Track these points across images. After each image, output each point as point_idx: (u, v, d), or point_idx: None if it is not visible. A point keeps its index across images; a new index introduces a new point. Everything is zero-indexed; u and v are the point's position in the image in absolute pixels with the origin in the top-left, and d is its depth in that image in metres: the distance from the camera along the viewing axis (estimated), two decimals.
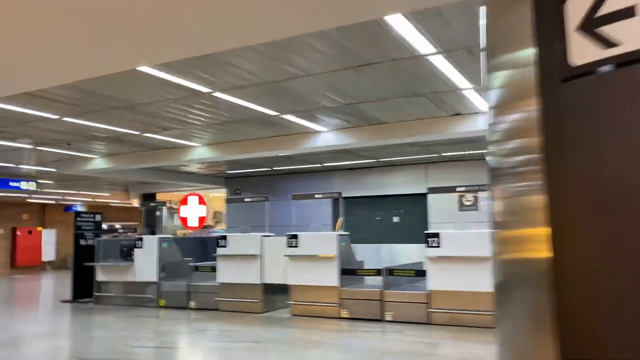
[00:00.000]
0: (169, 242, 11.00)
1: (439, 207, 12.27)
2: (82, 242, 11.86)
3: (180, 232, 19.04)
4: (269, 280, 9.43)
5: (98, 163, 10.84)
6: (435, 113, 7.93)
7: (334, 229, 13.37)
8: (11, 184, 13.30)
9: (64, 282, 17.29)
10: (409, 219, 12.78)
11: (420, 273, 8.25)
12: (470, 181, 11.53)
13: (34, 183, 13.78)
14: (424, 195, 12.41)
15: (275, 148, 9.09)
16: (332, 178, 13.76)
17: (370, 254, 11.69)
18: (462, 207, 12.09)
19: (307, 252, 8.93)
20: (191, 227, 16.48)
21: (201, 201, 16.31)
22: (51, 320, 9.38)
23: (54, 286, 16.44)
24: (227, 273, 9.74)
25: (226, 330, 8.07)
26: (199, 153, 9.83)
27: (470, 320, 7.55)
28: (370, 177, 13.22)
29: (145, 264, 10.69)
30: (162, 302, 10.45)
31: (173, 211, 19.05)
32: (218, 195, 18.79)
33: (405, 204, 12.80)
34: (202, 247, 13.67)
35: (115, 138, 9.12)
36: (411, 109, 7.67)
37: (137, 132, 8.77)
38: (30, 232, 23.62)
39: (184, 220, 16.68)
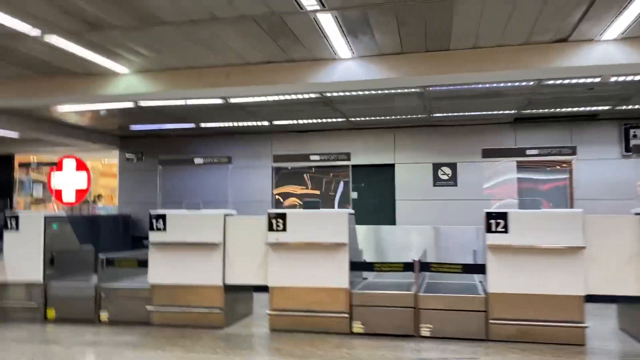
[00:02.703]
0: (61, 223, 7.32)
1: (407, 181, 10.16)
2: None
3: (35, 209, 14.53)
4: (235, 280, 6.46)
5: None
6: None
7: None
8: None
9: None
10: (370, 194, 10.47)
11: (473, 269, 5.99)
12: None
13: None
14: (390, 166, 10.21)
15: (272, 81, 5.84)
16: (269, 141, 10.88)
17: None
18: (437, 181, 10.12)
19: (302, 239, 6.14)
20: (67, 203, 12.35)
21: (80, 166, 12.26)
22: None
23: None
24: (166, 270, 6.52)
25: None
26: (127, 85, 6.25)
27: (548, 335, 5.50)
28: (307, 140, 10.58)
29: (23, 256, 6.94)
30: (52, 314, 6.84)
31: (36, 181, 14.45)
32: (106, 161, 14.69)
33: (369, 175, 10.44)
34: (95, 231, 9.96)
35: None
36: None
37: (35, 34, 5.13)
38: None
39: (56, 193, 12.46)
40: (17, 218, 7.00)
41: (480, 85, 6.68)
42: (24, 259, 6.93)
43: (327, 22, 4.82)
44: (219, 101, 7.79)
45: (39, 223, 6.96)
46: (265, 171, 10.85)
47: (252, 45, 5.13)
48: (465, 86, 6.60)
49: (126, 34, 4.75)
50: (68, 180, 12.24)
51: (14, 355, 5.21)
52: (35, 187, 14.22)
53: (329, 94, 7.28)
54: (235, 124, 9.82)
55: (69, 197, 12.20)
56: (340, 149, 9.30)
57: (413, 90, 6.98)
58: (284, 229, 6.22)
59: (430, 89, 6.75)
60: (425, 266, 6.07)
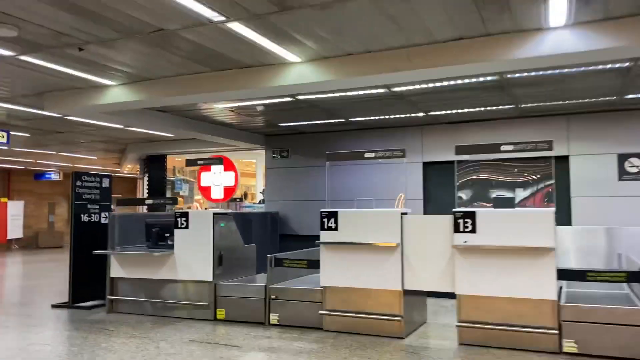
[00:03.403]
0: (227, 221, 7.20)
1: (584, 175, 8.83)
2: (85, 217, 7.91)
3: (185, 207, 15.10)
4: (415, 285, 5.82)
5: (115, 95, 6.89)
6: None
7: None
8: None
9: (44, 270, 13.19)
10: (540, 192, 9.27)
11: None
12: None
13: (4, 134, 9.64)
14: (564, 158, 8.95)
15: (461, 59, 5.05)
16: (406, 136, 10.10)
17: None
18: (624, 175, 8.68)
19: (497, 242, 5.33)
20: (215, 200, 12.63)
21: (228, 166, 12.44)
22: (43, 350, 5.52)
23: (31, 276, 12.33)
24: (339, 271, 6.06)
25: None
26: (299, 75, 5.83)
27: None
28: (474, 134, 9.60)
29: (192, 254, 6.89)
30: (222, 314, 6.71)
31: (188, 182, 15.06)
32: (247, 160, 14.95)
33: (535, 170, 9.27)
34: (248, 229, 9.90)
35: (161, 37, 5.23)
36: None
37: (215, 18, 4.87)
38: None
39: (205, 190, 12.80)
40: (187, 216, 6.98)
41: None
42: (194, 257, 6.88)
43: None
44: (380, 91, 7.22)
45: (208, 221, 6.87)
46: (414, 166, 10.11)
47: (449, 17, 4.46)
48: None
49: (316, 13, 4.33)
50: (217, 179, 12.50)
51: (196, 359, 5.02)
52: (184, 187, 14.81)
53: (510, 75, 6.37)
54: (386, 117, 9.20)
55: (217, 194, 12.46)
56: (503, 139, 8.31)
57: (622, 65, 5.84)
58: (473, 230, 5.45)
59: None
60: None
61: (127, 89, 6.81)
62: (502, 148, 5.57)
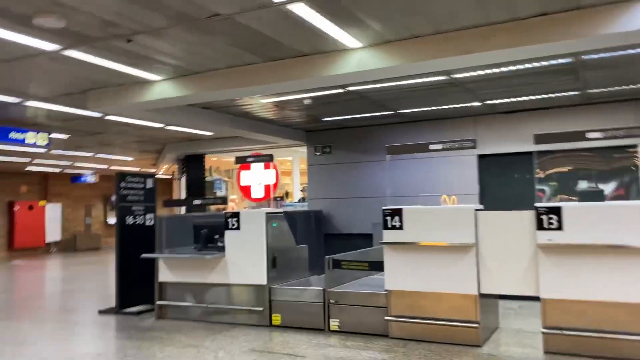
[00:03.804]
0: (279, 220, 6.81)
1: None
2: (129, 219, 7.63)
3: (214, 208, 14.82)
4: (493, 289, 5.32)
5: (161, 91, 6.56)
6: None
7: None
8: (13, 135, 8.99)
9: (85, 273, 13.07)
10: (607, 182, 8.59)
11: None
12: None
13: (45, 135, 9.45)
14: None
15: (545, 37, 4.46)
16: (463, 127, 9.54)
17: None
18: None
19: (589, 240, 4.79)
20: (256, 199, 12.29)
21: (269, 164, 12.07)
22: None
23: (73, 279, 12.21)
24: (406, 275, 5.59)
25: None
26: (359, 61, 5.33)
27: None
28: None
29: (245, 256, 6.52)
30: (277, 319, 6.32)
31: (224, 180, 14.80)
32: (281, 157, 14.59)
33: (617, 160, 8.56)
34: (292, 228, 9.52)
35: (214, 24, 4.82)
36: None
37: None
38: (30, 208, 19.33)
39: (245, 189, 12.47)
40: (238, 216, 6.61)
41: None
42: (247, 260, 6.51)
43: None
44: (440, 78, 6.72)
45: (260, 221, 6.49)
46: (468, 160, 9.56)
47: None
48: None
49: None
50: (257, 178, 12.16)
51: None
52: (222, 186, 14.55)
53: (585, 57, 5.80)
54: (438, 107, 8.68)
55: (258, 193, 12.12)
56: (567, 127, 7.71)
57: None
58: (560, 228, 4.91)
59: None
60: None
61: (173, 84, 6.47)
62: (590, 135, 5.01)
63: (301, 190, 14.84)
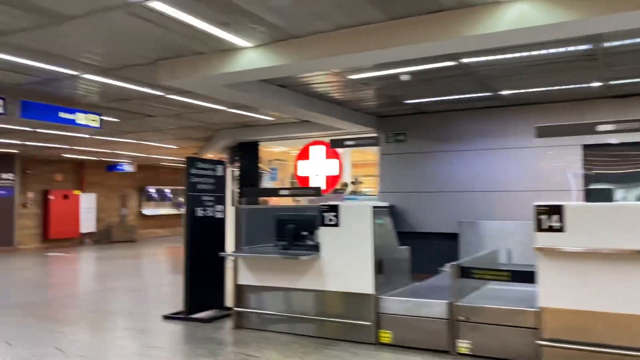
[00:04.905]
0: (384, 216, 5.69)
1: None
2: (199, 211, 6.59)
3: (262, 201, 13.74)
4: None
5: (249, 60, 5.47)
6: None
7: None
8: (62, 115, 8.03)
9: (129, 268, 12.13)
10: None
11: None
12: None
13: (97, 117, 8.47)
14: None
15: None
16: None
17: None
18: None
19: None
20: None
21: (330, 153, 10.98)
22: None
23: (120, 276, 11.26)
24: (569, 289, 4.42)
25: None
26: (519, 16, 4.17)
27: None
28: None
29: (345, 259, 5.42)
30: (387, 336, 5.21)
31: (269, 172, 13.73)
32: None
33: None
34: None
35: None
36: None
37: None
38: (66, 197, 18.57)
39: (302, 181, 11.40)
40: (336, 210, 5.51)
41: None
42: (348, 263, 5.41)
43: None
44: (581, 48, 5.52)
45: (365, 217, 5.38)
46: (571, 150, 8.33)
47: None
48: None
49: None
50: (317, 168, 11.08)
51: None
52: (277, 177, 13.51)
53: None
54: (551, 88, 7.47)
55: (317, 184, 11.02)
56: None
57: None
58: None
59: None
60: None
61: (265, 52, 5.38)
62: None
63: (352, 182, 13.71)
